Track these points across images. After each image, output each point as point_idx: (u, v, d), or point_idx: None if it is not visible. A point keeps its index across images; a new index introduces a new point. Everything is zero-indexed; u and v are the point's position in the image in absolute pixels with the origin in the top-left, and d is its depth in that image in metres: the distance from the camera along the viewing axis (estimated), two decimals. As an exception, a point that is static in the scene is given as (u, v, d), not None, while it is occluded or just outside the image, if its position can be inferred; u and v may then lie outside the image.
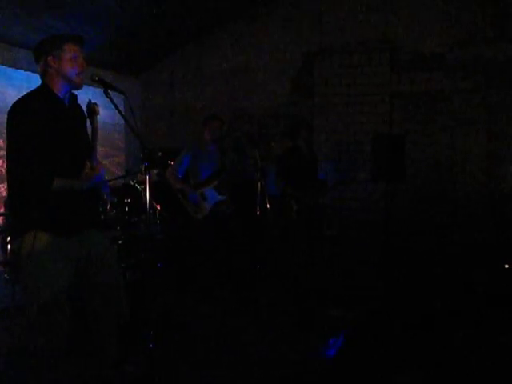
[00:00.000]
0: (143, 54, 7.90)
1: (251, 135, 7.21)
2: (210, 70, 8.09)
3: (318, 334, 4.61)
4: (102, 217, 4.32)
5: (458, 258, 6.72)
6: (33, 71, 6.08)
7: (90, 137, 2.99)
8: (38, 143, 2.77)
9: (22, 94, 2.90)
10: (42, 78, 2.99)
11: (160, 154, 7.06)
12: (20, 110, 2.82)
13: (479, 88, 6.69)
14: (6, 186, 5.80)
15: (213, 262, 5.57)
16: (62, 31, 5.99)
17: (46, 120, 2.84)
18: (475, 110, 6.74)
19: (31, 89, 2.97)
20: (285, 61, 7.64)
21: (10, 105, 2.84)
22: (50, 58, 2.92)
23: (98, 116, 2.98)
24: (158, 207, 4.75)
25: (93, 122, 2.93)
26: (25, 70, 6.21)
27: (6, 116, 2.81)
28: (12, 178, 2.82)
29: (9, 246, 4.19)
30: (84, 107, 3.03)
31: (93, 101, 2.98)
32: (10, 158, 2.81)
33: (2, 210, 5.82)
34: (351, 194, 7.25)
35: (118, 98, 3.01)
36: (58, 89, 2.97)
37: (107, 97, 2.97)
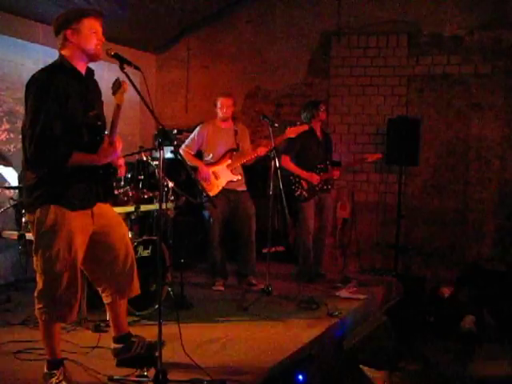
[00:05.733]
0: (161, 31, 7.85)
1: (266, 115, 7.15)
2: (226, 49, 8.04)
3: (324, 314, 4.68)
4: (116, 192, 4.36)
5: (470, 244, 6.70)
6: (50, 45, 6.09)
7: (113, 113, 2.98)
8: (56, 116, 2.78)
9: (39, 68, 2.91)
10: (59, 51, 2.99)
11: (175, 131, 7.08)
12: (38, 82, 2.83)
13: (498, 72, 6.59)
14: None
15: (223, 239, 5.61)
16: (79, 6, 5.97)
17: (64, 93, 2.84)
18: (493, 95, 6.65)
19: (48, 63, 2.98)
20: (302, 40, 7.56)
21: (27, 79, 2.86)
22: (68, 31, 2.92)
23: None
24: (171, 184, 4.76)
25: (118, 99, 2.90)
26: (41, 44, 6.21)
27: (24, 91, 2.82)
28: (29, 151, 2.78)
29: (23, 219, 4.24)
30: (100, 83, 3.01)
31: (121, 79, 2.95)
32: (27, 132, 2.79)
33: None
34: (364, 177, 7.23)
35: (133, 75, 3.01)
36: (76, 62, 2.97)
37: (123, 72, 2.97)
